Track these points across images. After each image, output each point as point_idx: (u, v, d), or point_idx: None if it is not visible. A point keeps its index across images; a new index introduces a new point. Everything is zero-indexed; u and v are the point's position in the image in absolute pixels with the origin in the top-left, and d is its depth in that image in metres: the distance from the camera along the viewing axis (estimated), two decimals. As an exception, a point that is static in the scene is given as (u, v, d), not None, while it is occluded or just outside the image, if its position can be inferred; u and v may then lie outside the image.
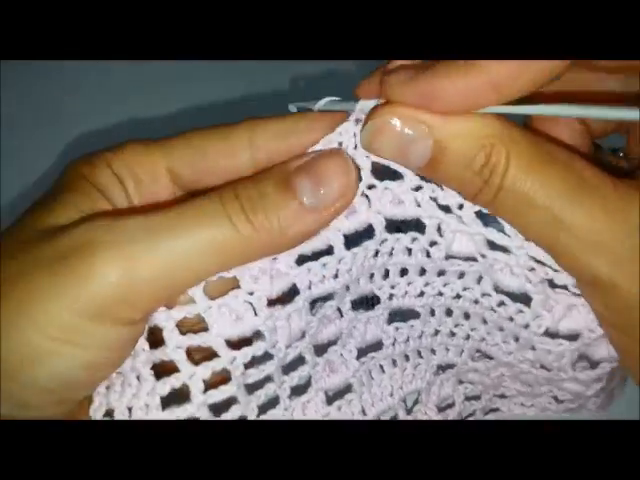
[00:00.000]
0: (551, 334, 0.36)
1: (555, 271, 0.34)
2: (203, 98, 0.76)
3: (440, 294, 0.39)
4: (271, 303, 0.35)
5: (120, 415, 0.33)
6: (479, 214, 0.34)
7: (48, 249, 0.30)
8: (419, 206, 0.35)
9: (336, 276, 0.37)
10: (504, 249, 0.35)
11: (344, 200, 0.33)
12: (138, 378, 0.34)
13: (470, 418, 0.46)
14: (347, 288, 0.38)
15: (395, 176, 0.35)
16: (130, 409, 0.34)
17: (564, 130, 0.37)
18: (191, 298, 0.33)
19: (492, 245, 0.35)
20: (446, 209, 0.35)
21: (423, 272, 0.38)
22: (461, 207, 0.34)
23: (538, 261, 0.34)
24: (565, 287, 0.35)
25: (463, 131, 0.31)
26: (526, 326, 0.36)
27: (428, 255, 0.37)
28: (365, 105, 0.33)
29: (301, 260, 0.35)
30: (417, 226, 0.36)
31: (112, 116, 0.76)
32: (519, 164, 0.30)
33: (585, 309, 0.34)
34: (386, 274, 0.39)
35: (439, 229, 0.35)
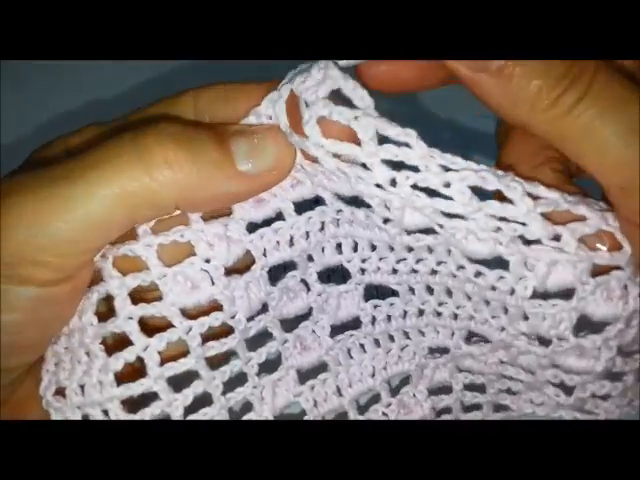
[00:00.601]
0: (541, 295, 0.33)
1: (523, 225, 0.31)
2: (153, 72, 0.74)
3: (414, 271, 0.37)
4: (228, 272, 0.33)
5: (72, 394, 0.32)
6: (416, 187, 0.31)
7: None
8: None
9: (291, 243, 0.36)
10: (460, 216, 0.32)
11: (279, 172, 0.32)
12: (88, 354, 0.32)
13: (477, 411, 0.43)
14: (310, 258, 0.37)
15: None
16: (82, 387, 0.32)
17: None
18: (145, 264, 0.32)
19: (446, 214, 0.32)
20: (381, 187, 0.32)
21: (392, 248, 0.36)
22: (394, 184, 0.31)
23: (502, 218, 0.31)
24: (539, 241, 0.32)
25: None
26: (511, 292, 0.34)
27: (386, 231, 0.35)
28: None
29: (251, 228, 0.34)
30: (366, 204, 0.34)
31: (74, 101, 0.74)
32: (609, 72, 0.29)
33: (570, 263, 0.32)
34: (355, 246, 0.38)
35: (386, 206, 0.33)
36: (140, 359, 0.32)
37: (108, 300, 0.32)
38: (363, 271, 0.38)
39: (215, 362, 0.35)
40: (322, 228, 0.36)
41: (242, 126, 0.32)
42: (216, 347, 0.34)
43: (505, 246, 0.32)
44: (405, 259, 0.36)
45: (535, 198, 0.31)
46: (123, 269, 0.32)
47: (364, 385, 0.41)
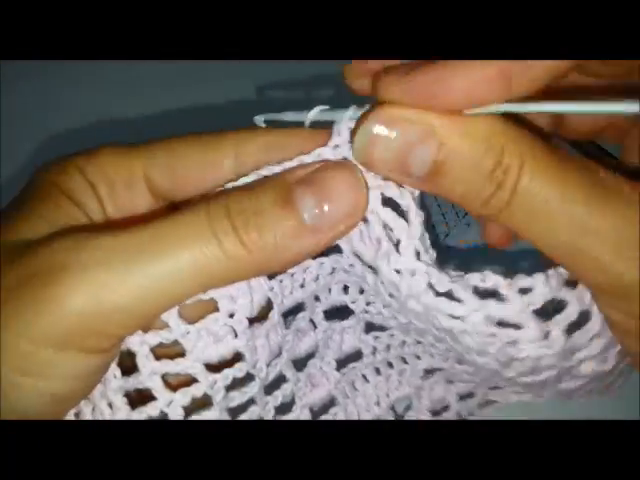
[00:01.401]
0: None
1: (517, 328, 0.30)
2: (186, 100, 0.72)
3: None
4: (250, 322, 0.33)
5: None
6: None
7: (11, 272, 0.28)
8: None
9: (302, 285, 0.36)
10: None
11: (351, 220, 0.30)
12: (110, 406, 0.32)
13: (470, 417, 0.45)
14: (317, 298, 0.38)
15: None
16: None
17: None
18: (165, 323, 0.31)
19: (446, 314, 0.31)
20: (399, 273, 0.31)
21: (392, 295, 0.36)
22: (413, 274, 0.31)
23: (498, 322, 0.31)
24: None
25: (470, 131, 0.27)
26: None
27: None
28: (356, 112, 0.30)
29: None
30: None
31: (87, 116, 0.72)
32: (535, 166, 0.27)
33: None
34: (362, 290, 0.38)
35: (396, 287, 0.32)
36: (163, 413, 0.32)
37: (131, 355, 0.32)
38: (366, 312, 0.39)
39: (234, 410, 0.35)
40: (332, 272, 0.36)
41: (307, 172, 0.30)
42: (238, 397, 0.34)
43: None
44: None
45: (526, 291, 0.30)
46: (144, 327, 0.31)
47: (371, 414, 0.42)
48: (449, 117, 0.27)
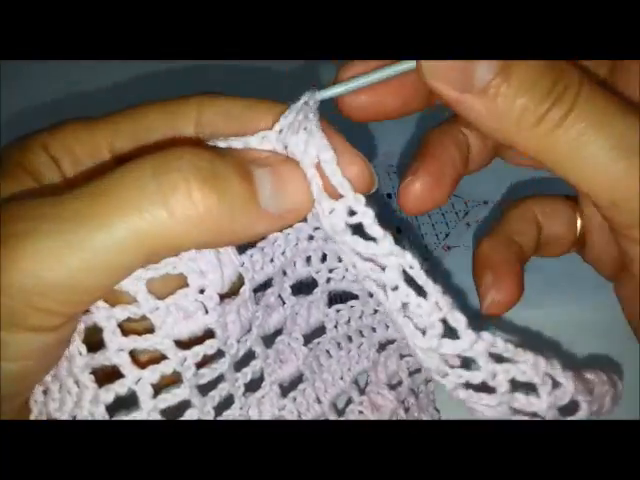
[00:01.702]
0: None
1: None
2: (147, 69, 0.70)
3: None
4: (221, 298, 0.32)
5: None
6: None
7: None
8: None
9: (272, 260, 0.35)
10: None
11: (297, 216, 0.30)
12: (77, 384, 0.30)
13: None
14: (284, 273, 0.38)
15: None
16: (74, 418, 0.31)
17: None
18: (134, 298, 0.30)
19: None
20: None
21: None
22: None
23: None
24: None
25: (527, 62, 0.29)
26: None
27: None
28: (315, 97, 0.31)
29: (239, 248, 0.33)
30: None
31: (52, 91, 0.70)
32: (593, 86, 0.29)
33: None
34: (324, 258, 0.39)
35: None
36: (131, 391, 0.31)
37: (99, 330, 0.30)
38: (329, 280, 0.39)
39: (205, 387, 0.34)
40: (296, 243, 0.36)
41: (265, 156, 0.30)
42: (208, 374, 0.33)
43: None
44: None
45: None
46: (111, 301, 0.29)
47: (337, 388, 0.42)
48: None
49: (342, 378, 0.42)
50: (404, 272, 0.29)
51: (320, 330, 0.41)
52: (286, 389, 0.40)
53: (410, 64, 0.30)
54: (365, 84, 0.32)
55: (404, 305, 0.29)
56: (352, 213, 0.29)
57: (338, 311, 0.41)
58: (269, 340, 0.38)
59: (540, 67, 0.29)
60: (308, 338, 0.41)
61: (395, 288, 0.29)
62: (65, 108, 0.68)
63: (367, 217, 0.29)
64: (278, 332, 0.39)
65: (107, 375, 0.31)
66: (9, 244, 0.26)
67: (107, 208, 0.26)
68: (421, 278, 0.29)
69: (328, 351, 0.42)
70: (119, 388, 0.30)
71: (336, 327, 0.42)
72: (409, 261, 0.29)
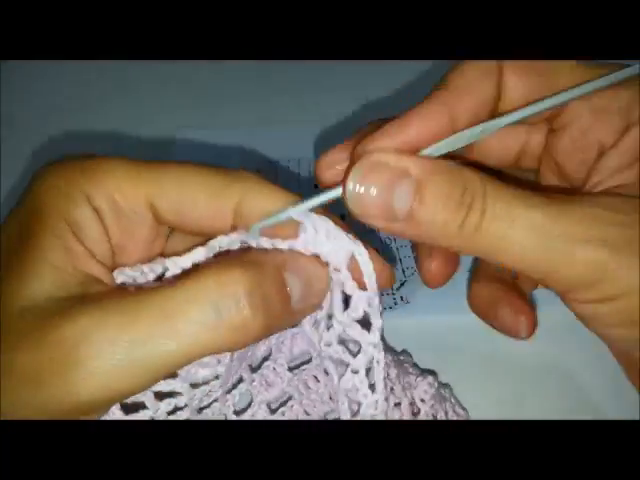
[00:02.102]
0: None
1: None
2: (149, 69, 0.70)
3: None
4: None
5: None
6: None
7: (28, 353, 0.29)
8: None
9: None
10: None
11: (317, 306, 0.34)
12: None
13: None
14: None
15: None
16: None
17: None
18: None
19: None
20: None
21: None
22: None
23: None
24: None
25: (436, 167, 0.32)
26: None
27: None
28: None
29: None
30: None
31: (52, 91, 0.70)
32: (496, 188, 0.32)
33: None
34: None
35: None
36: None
37: None
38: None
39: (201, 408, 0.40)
40: None
41: (296, 259, 0.33)
42: (206, 400, 0.39)
43: None
44: None
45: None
46: None
47: (326, 406, 0.46)
48: (419, 158, 0.32)
49: (330, 398, 0.45)
50: (369, 363, 0.34)
51: (305, 358, 0.46)
52: (274, 408, 0.45)
53: (337, 193, 0.32)
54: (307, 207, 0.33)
55: (353, 388, 0.34)
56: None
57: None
58: (255, 366, 0.44)
59: (447, 180, 0.32)
60: (292, 365, 0.46)
61: (355, 372, 0.34)
62: (65, 108, 0.68)
63: (375, 309, 0.33)
64: (265, 359, 0.45)
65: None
66: (84, 362, 0.29)
67: (170, 332, 0.29)
68: (379, 376, 0.33)
69: (316, 377, 0.46)
70: (142, 417, 0.34)
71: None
72: (378, 357, 0.33)
